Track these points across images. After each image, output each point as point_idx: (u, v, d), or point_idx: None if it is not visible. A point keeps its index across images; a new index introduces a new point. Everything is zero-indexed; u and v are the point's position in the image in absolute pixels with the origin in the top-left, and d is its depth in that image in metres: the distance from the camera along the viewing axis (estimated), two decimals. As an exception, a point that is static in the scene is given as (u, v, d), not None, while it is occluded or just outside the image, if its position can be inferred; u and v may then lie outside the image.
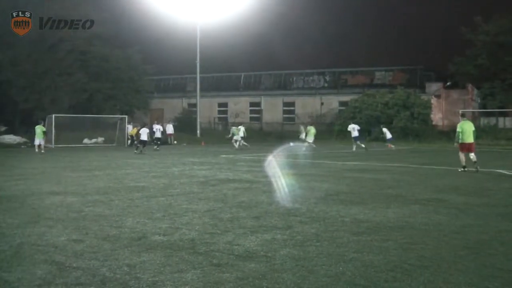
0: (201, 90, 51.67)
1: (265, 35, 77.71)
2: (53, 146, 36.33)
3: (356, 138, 32.99)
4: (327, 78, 61.91)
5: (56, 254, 5.83)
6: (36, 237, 6.74)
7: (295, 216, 8.32)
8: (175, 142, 41.86)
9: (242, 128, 34.57)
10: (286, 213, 8.66)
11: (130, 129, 40.82)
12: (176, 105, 61.86)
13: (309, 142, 32.02)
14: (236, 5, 47.59)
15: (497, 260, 5.71)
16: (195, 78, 51.31)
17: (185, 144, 40.33)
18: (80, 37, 47.66)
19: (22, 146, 35.76)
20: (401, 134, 46.00)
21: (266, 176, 15.13)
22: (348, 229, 7.30)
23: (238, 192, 11.46)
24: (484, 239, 6.78)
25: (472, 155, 17.10)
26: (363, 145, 32.07)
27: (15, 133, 41.27)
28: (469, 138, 17.22)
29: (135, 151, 29.19)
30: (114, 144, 40.44)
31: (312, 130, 32.59)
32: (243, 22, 56.40)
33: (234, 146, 33.07)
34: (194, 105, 53.30)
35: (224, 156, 25.76)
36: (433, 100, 51.63)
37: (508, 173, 16.65)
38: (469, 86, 54.73)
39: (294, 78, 63.63)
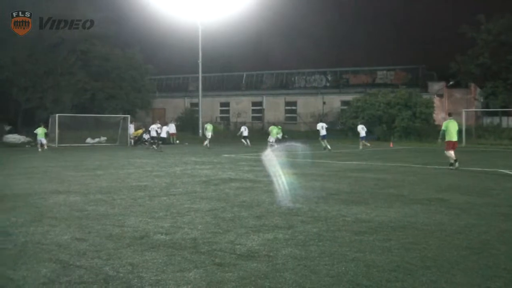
0: (203, 89, 51.72)
1: (267, 34, 77.74)
2: (56, 145, 36.37)
3: (362, 138, 34.32)
4: (329, 77, 61.90)
5: (59, 253, 5.87)
6: (40, 235, 6.78)
7: (297, 216, 8.34)
8: (177, 141, 41.88)
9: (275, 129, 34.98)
10: (287, 212, 8.69)
11: (132, 128, 40.91)
12: (178, 104, 61.89)
13: (270, 142, 33.17)
14: (237, 4, 47.63)
15: (500, 260, 5.72)
16: (197, 77, 51.40)
17: (187, 144, 40.32)
18: (81, 37, 47.76)
19: (27, 146, 35.82)
20: (403, 134, 45.96)
21: (268, 176, 15.15)
22: (350, 229, 7.32)
23: (240, 192, 11.48)
24: (487, 239, 6.79)
25: (451, 152, 17.92)
26: (368, 144, 33.67)
27: (18, 133, 41.37)
28: (454, 137, 18.12)
29: (154, 147, 31.69)
30: (116, 144, 40.47)
31: (274, 130, 33.48)
32: (245, 22, 56.61)
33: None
34: (196, 105, 53.34)
35: (226, 155, 25.77)
36: (436, 100, 51.55)
37: (511, 172, 16.65)
38: (472, 86, 54.65)
39: (296, 78, 63.63)
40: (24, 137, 38.90)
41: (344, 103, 56.05)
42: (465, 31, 51.21)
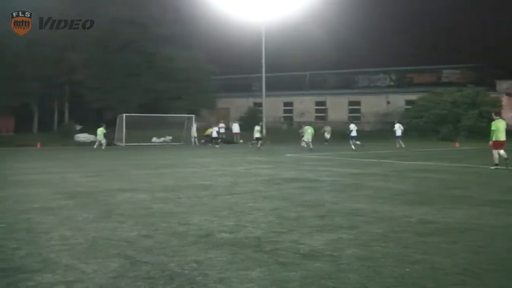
0: (266, 89, 51.90)
1: (330, 33, 77.09)
2: (124, 144, 37.37)
3: (398, 137, 34.78)
4: (393, 76, 61.00)
5: (127, 249, 6.05)
6: (108, 231, 7.00)
7: (360, 216, 8.27)
8: (241, 141, 42.20)
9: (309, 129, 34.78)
10: (351, 212, 8.63)
11: (195, 128, 41.53)
12: (241, 104, 62.35)
13: (305, 141, 32.69)
14: (300, 3, 47.53)
15: None
16: (260, 77, 51.61)
17: (251, 144, 40.55)
18: (148, 38, 48.83)
19: (95, 146, 36.99)
20: (469, 133, 44.77)
21: (329, 176, 15.08)
22: (415, 230, 7.20)
23: (303, 191, 11.48)
24: (558, 243, 6.55)
25: (502, 152, 17.51)
26: (402, 145, 33.93)
27: (88, 132, 42.79)
28: (503, 136, 17.86)
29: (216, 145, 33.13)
30: (181, 143, 41.19)
31: (309, 130, 32.95)
32: (307, 21, 56.31)
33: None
34: (260, 104, 53.61)
35: (288, 155, 25.81)
36: (504, 98, 49.91)
37: None
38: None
39: (360, 77, 63.00)
40: (94, 136, 40.22)
41: (408, 102, 55.09)
42: None
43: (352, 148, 30.77)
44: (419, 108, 49.95)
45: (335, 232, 7.06)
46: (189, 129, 42.20)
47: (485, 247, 6.26)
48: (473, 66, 56.43)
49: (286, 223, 7.67)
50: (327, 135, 41.08)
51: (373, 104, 58.37)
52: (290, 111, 64.17)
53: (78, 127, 46.41)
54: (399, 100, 57.19)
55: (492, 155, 17.87)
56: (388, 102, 57.32)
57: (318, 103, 62.68)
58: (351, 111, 60.26)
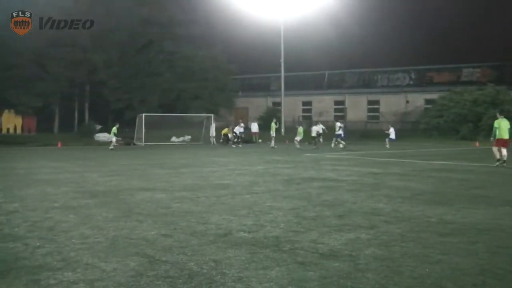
0: (285, 88, 51.87)
1: (349, 32, 76.75)
2: (143, 144, 37.61)
3: (391, 139, 34.39)
4: (412, 75, 60.65)
5: (146, 248, 6.09)
6: (128, 230, 7.06)
7: (380, 216, 8.24)
8: (260, 140, 42.23)
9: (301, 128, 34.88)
10: (370, 212, 8.60)
11: (214, 127, 41.65)
12: (260, 103, 62.39)
13: (296, 141, 33.30)
14: (319, 2, 47.41)
15: None
16: (279, 76, 51.61)
17: (272, 144, 40.56)
18: (168, 38, 49.09)
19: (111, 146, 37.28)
20: (489, 133, 44.31)
21: (349, 175, 15.04)
22: (434, 230, 7.16)
23: (322, 191, 11.46)
24: None
25: (504, 151, 18.29)
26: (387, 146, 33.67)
27: (108, 132, 43.17)
28: (505, 134, 18.57)
29: (233, 146, 33.90)
30: (200, 143, 41.34)
31: (300, 130, 33.62)
32: (326, 20, 56.06)
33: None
34: (279, 104, 53.64)
35: (308, 154, 25.77)
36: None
37: None
38: None
39: (379, 76, 62.72)
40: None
41: (428, 101, 54.71)
42: None
43: (340, 147, 31.48)
44: (439, 108, 49.58)
45: (353, 231, 7.05)
46: (208, 129, 42.33)
47: (505, 248, 6.20)
48: (493, 65, 55.90)
49: (304, 223, 7.66)
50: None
51: (392, 104, 58.05)
52: (309, 110, 64.00)
53: (98, 127, 46.82)
54: (418, 99, 56.79)
55: (493, 152, 18.70)
56: (407, 101, 56.95)
57: (337, 103, 62.49)
58: (370, 110, 59.99)
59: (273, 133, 34.95)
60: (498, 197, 10.58)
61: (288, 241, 6.44)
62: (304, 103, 64.45)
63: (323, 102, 62.81)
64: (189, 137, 43.81)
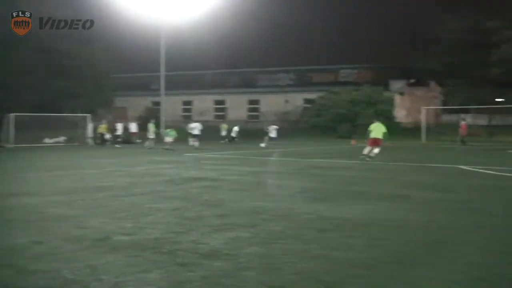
0: (166, 88, 51.29)
1: (230, 33, 77.50)
2: (12, 146, 35.64)
3: (272, 138, 34.40)
4: (292, 75, 62.22)
5: (16, 257, 5.68)
6: (-5, 239, 6.57)
7: (260, 214, 8.29)
8: (139, 141, 41.41)
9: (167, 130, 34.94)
10: (251, 211, 8.63)
11: (91, 128, 40.33)
12: (140, 103, 61.32)
13: (149, 138, 33.46)
14: (202, 3, 47.38)
15: (460, 254, 5.79)
16: (160, 76, 50.95)
17: (149, 145, 39.92)
18: (44, 34, 46.84)
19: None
20: (366, 131, 46.45)
21: (231, 174, 15.10)
22: (314, 226, 7.31)
23: (203, 191, 11.38)
24: (447, 233, 6.86)
25: (376, 150, 20.17)
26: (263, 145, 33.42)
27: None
28: (376, 135, 20.38)
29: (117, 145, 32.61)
30: (75, 144, 39.81)
31: (151, 127, 33.79)
32: (209, 20, 56.23)
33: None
34: (158, 104, 52.93)
35: (188, 154, 25.59)
36: (397, 97, 52.29)
37: (470, 168, 16.96)
38: (433, 84, 55.62)
39: (259, 76, 63.75)
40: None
41: (307, 101, 56.41)
42: (429, 29, 52.11)
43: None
44: (318, 107, 51.29)
45: (234, 230, 7.03)
46: (84, 129, 40.88)
47: (380, 240, 6.45)
48: (369, 66, 58.70)
49: (185, 223, 7.54)
50: (226, 133, 41.53)
51: (272, 103, 59.23)
52: (190, 110, 63.82)
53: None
54: (298, 99, 58.36)
55: (368, 150, 20.34)
56: (286, 101, 58.34)
57: (217, 102, 62.80)
58: (250, 109, 60.88)
59: (151, 134, 34.38)
60: (375, 192, 11.05)
61: (168, 243, 6.29)
62: (185, 103, 64.19)
63: (204, 102, 62.88)
64: (64, 138, 41.99)
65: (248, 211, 8.58)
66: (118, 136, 37.23)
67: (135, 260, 5.54)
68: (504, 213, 8.52)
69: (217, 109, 62.60)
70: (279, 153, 26.01)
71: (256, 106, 60.94)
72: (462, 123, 36.52)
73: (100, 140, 38.69)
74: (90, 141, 39.69)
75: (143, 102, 61.77)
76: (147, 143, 33.68)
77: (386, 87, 53.31)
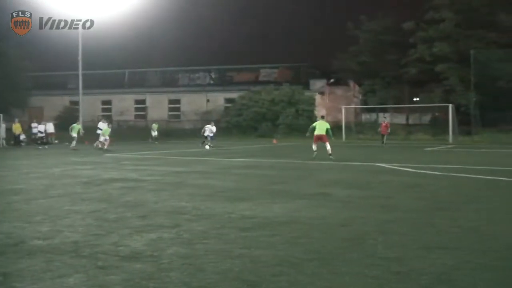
0: (84, 87, 49.90)
1: (150, 32, 76.55)
2: None
3: (211, 137, 34.10)
4: (213, 75, 62.14)
5: None
6: None
7: (182, 214, 8.23)
8: (56, 141, 40.12)
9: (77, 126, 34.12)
10: (172, 211, 8.55)
11: (4, 128, 38.64)
12: (57, 102, 59.42)
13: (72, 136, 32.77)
14: (121, 1, 46.52)
15: (377, 250, 5.94)
16: (77, 75, 49.53)
17: (67, 143, 38.73)
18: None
19: None
20: (287, 131, 47.07)
21: (152, 175, 14.91)
22: (235, 226, 7.32)
23: (123, 192, 11.17)
24: (366, 230, 7.04)
25: (328, 147, 20.16)
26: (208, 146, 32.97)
27: None
28: (320, 131, 20.70)
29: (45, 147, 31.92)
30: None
31: (76, 127, 33.40)
32: (128, 19, 55.11)
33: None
34: (77, 103, 51.45)
35: (108, 155, 25.06)
36: (317, 97, 53.24)
37: (387, 166, 17.52)
38: (352, 83, 57.07)
39: (180, 75, 63.31)
40: None
41: (228, 100, 56.49)
42: (348, 29, 53.36)
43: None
44: (239, 107, 51.47)
45: (156, 231, 6.93)
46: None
47: (301, 238, 6.54)
48: (289, 66, 59.44)
49: (105, 225, 7.37)
50: (154, 133, 41.12)
51: (193, 103, 58.88)
52: (109, 109, 62.50)
53: None
54: (219, 99, 58.34)
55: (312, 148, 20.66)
56: (208, 101, 58.20)
57: (138, 102, 61.82)
58: (171, 109, 60.30)
59: (74, 134, 33.30)
60: (295, 191, 11.20)
61: (87, 246, 6.12)
62: (104, 102, 62.76)
63: (124, 101, 61.70)
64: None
65: (169, 212, 8.49)
66: (41, 138, 35.92)
67: (53, 265, 5.35)
68: (420, 209, 8.83)
69: (137, 109, 61.60)
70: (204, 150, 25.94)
71: (177, 105, 60.41)
72: (384, 122, 37.27)
73: (14, 141, 37.16)
74: (3, 143, 37.96)
75: (61, 101, 59.90)
76: (73, 144, 32.53)
77: (307, 86, 54.12)
